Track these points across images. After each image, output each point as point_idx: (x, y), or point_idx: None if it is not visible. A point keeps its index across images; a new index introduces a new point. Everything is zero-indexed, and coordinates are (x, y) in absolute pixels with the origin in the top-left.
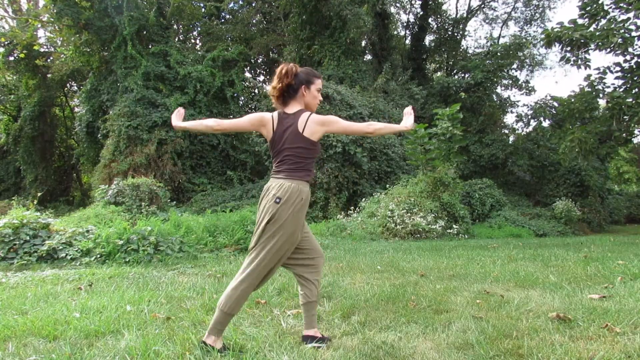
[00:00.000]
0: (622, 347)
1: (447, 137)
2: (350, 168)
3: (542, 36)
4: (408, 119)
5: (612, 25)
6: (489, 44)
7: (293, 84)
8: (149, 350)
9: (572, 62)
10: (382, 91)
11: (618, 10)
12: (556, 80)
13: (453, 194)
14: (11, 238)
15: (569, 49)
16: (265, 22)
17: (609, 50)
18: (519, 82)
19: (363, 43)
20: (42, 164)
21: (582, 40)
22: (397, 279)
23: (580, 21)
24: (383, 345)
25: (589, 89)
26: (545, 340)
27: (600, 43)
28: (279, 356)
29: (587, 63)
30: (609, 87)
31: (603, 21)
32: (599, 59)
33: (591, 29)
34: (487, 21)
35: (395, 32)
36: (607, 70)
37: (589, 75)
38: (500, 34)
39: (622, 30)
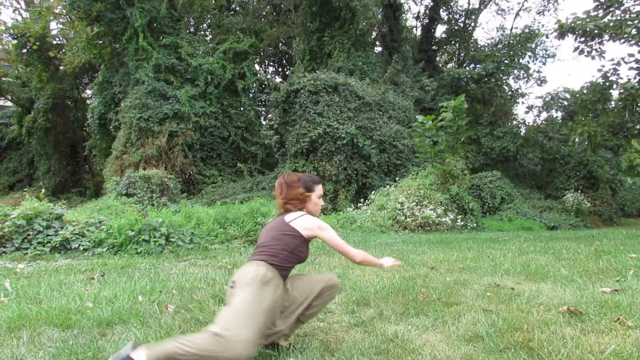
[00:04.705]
0: (634, 340)
1: (455, 130)
2: (359, 160)
3: (555, 27)
4: (387, 260)
5: (627, 16)
6: (499, 34)
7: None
8: (157, 341)
9: (586, 53)
10: (392, 82)
11: (633, 1)
12: (569, 72)
13: (461, 186)
14: (25, 229)
15: (582, 39)
16: (275, 14)
17: (622, 40)
18: (530, 72)
19: (373, 35)
20: (55, 155)
21: (596, 31)
22: (407, 271)
23: (593, 13)
24: (393, 337)
25: (602, 81)
26: (556, 334)
27: (614, 34)
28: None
29: (602, 54)
30: (622, 78)
31: (617, 12)
32: (613, 50)
33: (605, 19)
34: (499, 12)
35: (406, 24)
36: (622, 61)
37: (602, 67)
38: (512, 25)
39: (637, 21)
